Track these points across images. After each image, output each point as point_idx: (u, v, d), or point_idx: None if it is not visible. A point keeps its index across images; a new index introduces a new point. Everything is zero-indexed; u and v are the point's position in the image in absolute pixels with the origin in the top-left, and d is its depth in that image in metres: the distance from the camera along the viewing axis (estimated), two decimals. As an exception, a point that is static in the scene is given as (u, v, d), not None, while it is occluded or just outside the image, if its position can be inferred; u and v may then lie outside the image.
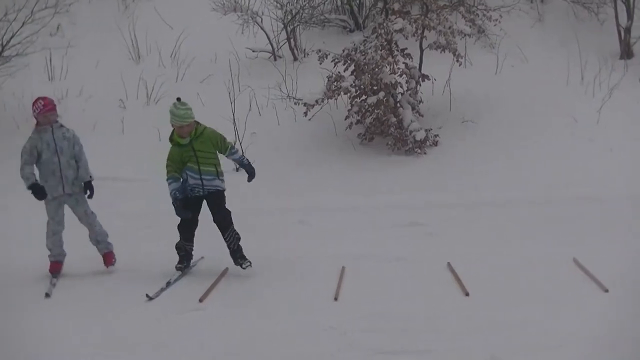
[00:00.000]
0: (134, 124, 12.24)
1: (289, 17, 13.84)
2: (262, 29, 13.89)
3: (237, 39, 13.94)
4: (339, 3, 14.66)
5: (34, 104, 7.50)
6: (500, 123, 11.76)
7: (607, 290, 6.52)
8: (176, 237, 7.55)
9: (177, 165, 7.27)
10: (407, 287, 6.88)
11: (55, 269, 7.62)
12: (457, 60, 11.53)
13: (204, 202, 7.42)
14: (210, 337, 5.94)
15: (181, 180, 7.28)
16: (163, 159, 7.44)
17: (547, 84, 12.44)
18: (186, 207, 7.29)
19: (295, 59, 13.85)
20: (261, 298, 6.79)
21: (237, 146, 11.32)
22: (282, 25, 13.90)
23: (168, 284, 7.15)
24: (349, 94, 11.44)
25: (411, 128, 11.34)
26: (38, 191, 7.41)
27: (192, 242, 7.53)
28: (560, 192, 9.82)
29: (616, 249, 7.61)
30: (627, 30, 13.13)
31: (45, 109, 7.44)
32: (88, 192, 7.61)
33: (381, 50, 11.25)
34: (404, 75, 11.72)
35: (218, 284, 7.17)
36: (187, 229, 7.46)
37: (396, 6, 11.75)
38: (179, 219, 7.39)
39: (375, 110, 11.39)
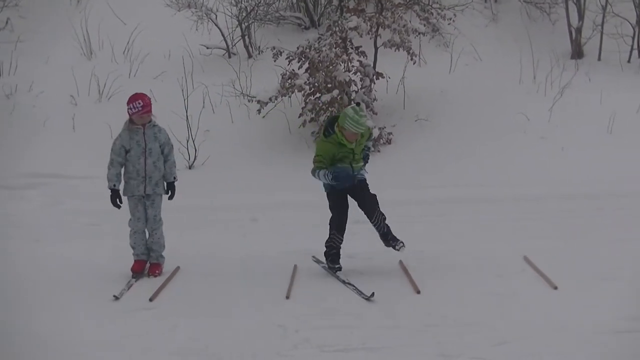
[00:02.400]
0: (85, 120, 12.02)
1: (244, 14, 13.75)
2: (216, 25, 13.78)
3: (191, 36, 13.80)
4: (294, 0, 14.62)
5: (130, 101, 7.08)
6: (453, 121, 11.85)
7: (556, 288, 6.61)
8: (121, 235, 7.42)
9: (329, 162, 7.05)
10: (359, 284, 6.86)
11: (138, 267, 7.33)
12: (412, 59, 11.60)
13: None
14: (160, 336, 5.86)
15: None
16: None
17: (500, 82, 12.58)
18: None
19: (249, 56, 13.77)
20: (212, 297, 6.71)
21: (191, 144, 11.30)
22: (237, 22, 13.81)
23: (347, 283, 6.90)
24: (303, 92, 11.41)
25: (365, 126, 11.33)
26: (114, 198, 7.21)
27: (343, 236, 7.32)
28: (511, 190, 9.92)
29: (566, 247, 7.72)
30: (578, 30, 13.34)
31: (143, 111, 7.07)
32: (169, 193, 7.37)
33: (336, 48, 11.24)
34: (359, 73, 11.73)
35: (169, 283, 7.08)
36: (342, 220, 7.29)
37: (351, 4, 11.77)
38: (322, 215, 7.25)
39: (329, 108, 11.35)
